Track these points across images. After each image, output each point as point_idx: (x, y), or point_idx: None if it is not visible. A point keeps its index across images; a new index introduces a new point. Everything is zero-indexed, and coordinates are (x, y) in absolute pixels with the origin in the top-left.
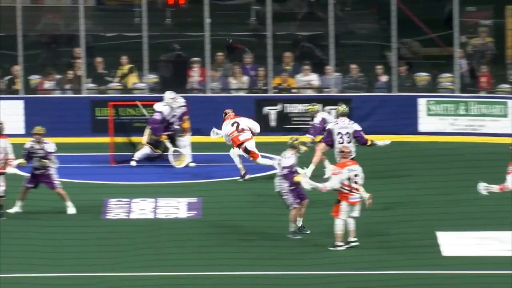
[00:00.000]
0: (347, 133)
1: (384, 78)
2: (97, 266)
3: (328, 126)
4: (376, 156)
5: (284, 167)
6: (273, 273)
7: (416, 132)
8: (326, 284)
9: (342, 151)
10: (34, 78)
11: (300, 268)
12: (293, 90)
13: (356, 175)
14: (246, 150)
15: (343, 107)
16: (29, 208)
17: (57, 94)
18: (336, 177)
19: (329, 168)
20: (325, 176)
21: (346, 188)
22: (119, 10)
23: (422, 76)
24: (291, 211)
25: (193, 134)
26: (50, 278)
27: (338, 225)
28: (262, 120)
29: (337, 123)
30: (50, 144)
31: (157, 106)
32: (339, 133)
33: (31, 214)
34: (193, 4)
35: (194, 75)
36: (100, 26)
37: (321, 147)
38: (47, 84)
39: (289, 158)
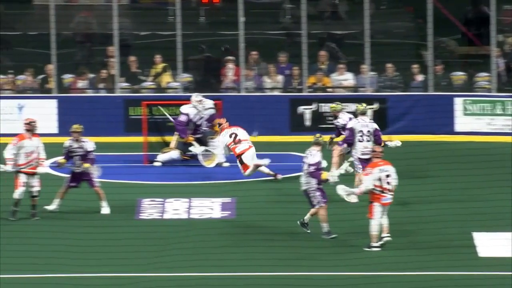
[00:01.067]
0: (368, 131)
1: (420, 77)
2: (130, 266)
3: (350, 125)
4: (410, 156)
5: (310, 165)
6: (308, 274)
7: (452, 132)
8: (360, 285)
9: (374, 151)
10: (68, 77)
11: (333, 268)
12: (328, 89)
13: (387, 176)
14: (241, 161)
15: (363, 106)
16: (63, 208)
17: (90, 93)
18: (367, 178)
19: (344, 167)
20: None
21: (378, 189)
22: (153, 8)
23: (459, 75)
24: (320, 210)
25: None
26: (83, 279)
27: (373, 226)
28: (297, 119)
29: (358, 122)
30: (89, 142)
31: (183, 108)
32: (360, 131)
33: (65, 213)
34: (227, 2)
35: (228, 74)
36: (134, 25)
37: (340, 148)
38: (81, 83)
39: (314, 155)
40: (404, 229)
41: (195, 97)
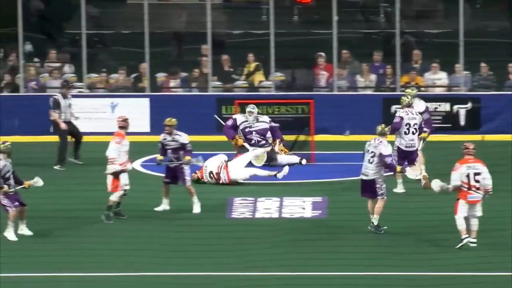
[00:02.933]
0: (415, 124)
1: None
2: (221, 265)
3: (401, 114)
4: (499, 155)
5: (386, 156)
6: (399, 274)
7: None
8: (453, 285)
9: (466, 148)
10: (160, 76)
11: (424, 269)
12: (421, 89)
13: (477, 174)
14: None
15: (409, 98)
16: (153, 207)
17: (182, 92)
18: (454, 173)
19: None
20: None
21: (465, 186)
22: (246, 7)
23: None
24: (380, 202)
25: (319, 133)
26: (173, 277)
27: (458, 221)
28: (390, 118)
29: (407, 114)
30: (182, 135)
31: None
32: (407, 123)
33: (156, 212)
34: (320, 1)
35: (321, 73)
36: (227, 24)
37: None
38: (173, 82)
39: (386, 145)
40: (496, 228)
41: (248, 107)
